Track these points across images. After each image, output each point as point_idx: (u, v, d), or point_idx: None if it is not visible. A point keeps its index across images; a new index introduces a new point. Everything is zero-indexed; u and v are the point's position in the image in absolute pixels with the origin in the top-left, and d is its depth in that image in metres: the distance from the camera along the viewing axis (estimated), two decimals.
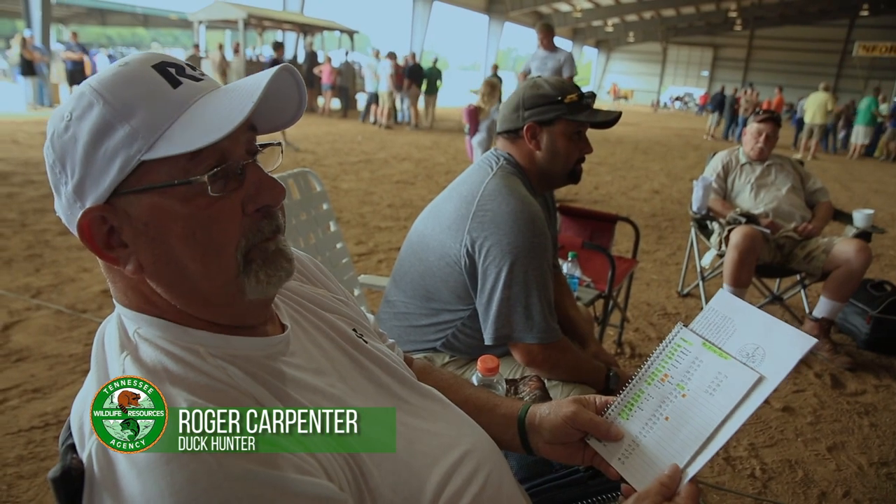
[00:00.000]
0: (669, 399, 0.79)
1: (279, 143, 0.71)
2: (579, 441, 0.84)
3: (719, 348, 0.79)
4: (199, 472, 0.52)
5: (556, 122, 1.51)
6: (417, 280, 1.54)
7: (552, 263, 1.76)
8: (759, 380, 0.74)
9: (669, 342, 0.84)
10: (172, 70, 0.62)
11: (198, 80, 0.63)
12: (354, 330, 0.85)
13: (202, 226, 0.61)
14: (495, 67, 14.51)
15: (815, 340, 0.74)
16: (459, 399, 0.92)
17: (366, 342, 0.84)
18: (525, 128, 1.52)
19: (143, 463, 0.52)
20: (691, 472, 0.73)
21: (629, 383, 0.84)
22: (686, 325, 0.84)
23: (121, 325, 0.65)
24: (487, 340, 1.44)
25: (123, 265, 0.62)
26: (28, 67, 12.54)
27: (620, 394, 0.84)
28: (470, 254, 1.43)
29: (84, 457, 0.56)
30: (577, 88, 1.54)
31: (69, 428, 0.63)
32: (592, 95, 1.57)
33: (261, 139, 0.69)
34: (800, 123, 14.79)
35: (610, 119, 1.54)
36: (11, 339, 2.76)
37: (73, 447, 0.59)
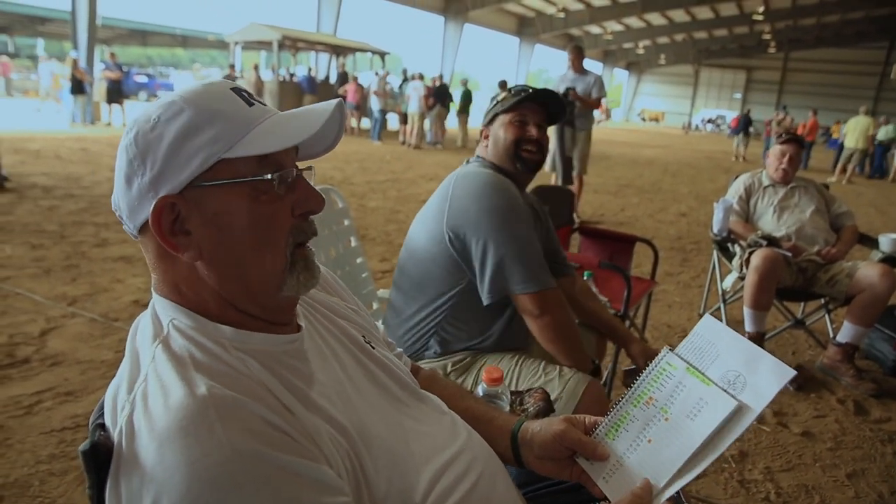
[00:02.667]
0: (653, 422, 0.82)
1: (311, 168, 0.80)
2: (567, 458, 0.88)
3: (702, 374, 0.82)
4: (213, 447, 0.58)
5: (494, 119, 1.75)
6: (412, 270, 1.69)
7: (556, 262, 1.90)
8: (739, 408, 0.76)
9: (655, 366, 0.87)
10: (246, 94, 0.74)
11: (264, 105, 0.74)
12: (363, 336, 0.91)
13: (264, 218, 0.70)
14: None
15: (794, 372, 0.77)
16: (460, 409, 0.97)
17: (373, 348, 0.90)
18: (481, 132, 1.80)
19: (164, 436, 0.58)
20: (668, 492, 0.76)
21: (617, 404, 0.87)
22: (672, 350, 0.87)
23: (155, 316, 0.73)
24: (486, 300, 1.57)
25: (182, 251, 0.70)
26: (78, 86, 13.11)
27: (608, 415, 0.87)
28: (454, 228, 1.58)
29: (115, 433, 0.63)
30: (511, 89, 1.76)
31: (101, 409, 0.70)
32: (519, 88, 1.75)
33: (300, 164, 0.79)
34: (841, 147, 14.61)
35: (535, 94, 1.71)
36: (48, 345, 2.88)
37: (101, 426, 0.67)
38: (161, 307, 0.73)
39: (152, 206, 0.68)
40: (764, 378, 0.77)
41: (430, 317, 1.66)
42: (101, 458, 0.63)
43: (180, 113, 0.68)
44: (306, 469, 0.62)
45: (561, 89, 6.18)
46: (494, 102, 1.76)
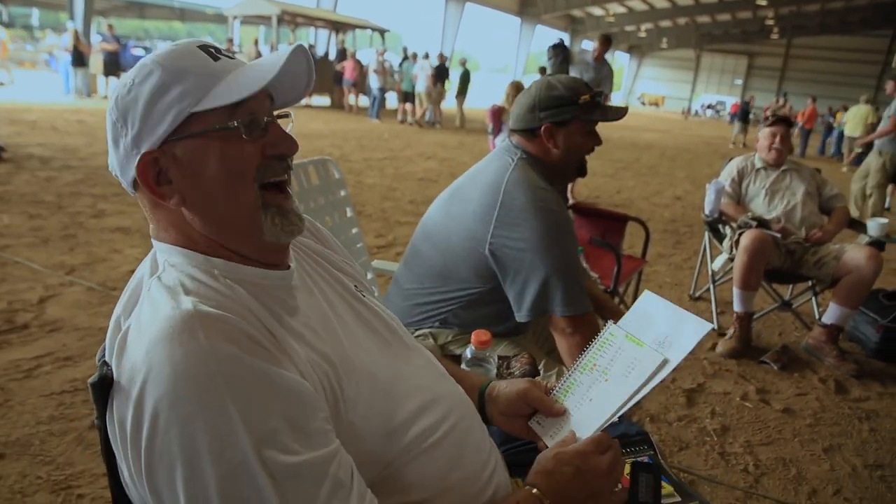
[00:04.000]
0: (595, 384, 0.93)
1: (290, 115, 0.84)
2: (526, 417, 0.98)
3: (638, 339, 0.93)
4: (194, 349, 0.63)
5: (572, 122, 1.60)
6: (437, 259, 1.63)
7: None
8: (664, 361, 0.88)
9: (601, 337, 0.98)
10: (213, 50, 0.78)
11: (231, 58, 0.79)
12: (355, 286, 0.96)
13: (231, 158, 0.75)
14: (543, 70, 13.91)
15: (710, 326, 0.89)
16: None
17: (364, 296, 0.95)
18: (542, 128, 1.60)
19: (151, 342, 0.64)
20: (595, 432, 0.88)
21: (569, 372, 0.98)
22: (615, 323, 0.98)
23: (153, 258, 0.79)
24: (523, 318, 1.53)
25: (168, 199, 0.76)
26: (79, 59, 13.01)
27: (560, 381, 0.98)
28: (497, 238, 1.51)
29: (112, 354, 0.69)
30: (589, 88, 1.64)
31: (104, 349, 0.76)
32: (601, 93, 1.68)
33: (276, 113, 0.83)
34: (839, 137, 14.77)
35: (620, 115, 1.68)
36: (46, 312, 2.93)
37: (106, 363, 0.71)
38: (159, 250, 0.79)
39: (136, 162, 0.74)
40: (686, 335, 0.89)
41: (442, 303, 1.64)
42: (107, 389, 0.69)
43: (150, 74, 0.74)
44: (279, 377, 0.67)
45: (579, 70, 6.17)
46: (574, 103, 1.59)
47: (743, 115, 18.14)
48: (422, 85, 13.77)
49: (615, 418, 0.88)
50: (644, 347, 0.91)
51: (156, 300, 0.70)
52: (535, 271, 1.48)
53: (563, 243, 1.51)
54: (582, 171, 1.72)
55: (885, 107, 7.63)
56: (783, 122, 3.40)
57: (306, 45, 0.77)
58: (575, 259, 1.55)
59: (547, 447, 0.91)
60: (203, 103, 0.73)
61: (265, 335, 0.71)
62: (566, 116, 1.59)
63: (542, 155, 1.64)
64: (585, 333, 1.52)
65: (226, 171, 0.74)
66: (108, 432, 0.69)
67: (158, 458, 0.62)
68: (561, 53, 6.04)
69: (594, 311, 1.97)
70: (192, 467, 0.61)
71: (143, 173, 0.74)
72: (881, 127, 7.21)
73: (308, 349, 0.75)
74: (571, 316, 1.50)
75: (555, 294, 1.49)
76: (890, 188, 8.52)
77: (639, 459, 1.11)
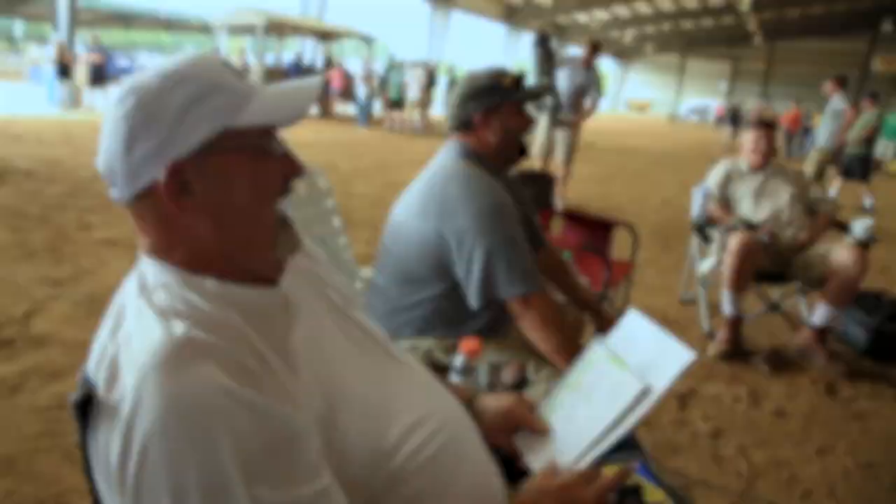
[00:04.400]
0: (580, 404, 0.94)
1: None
2: (511, 433, 0.98)
3: (622, 361, 0.93)
4: (186, 382, 0.62)
5: (503, 105, 1.65)
6: (399, 263, 1.67)
7: (532, 234, 1.87)
8: (645, 390, 0.87)
9: (585, 355, 0.98)
10: (234, 68, 0.79)
11: (248, 78, 0.80)
12: (342, 301, 0.95)
13: (263, 177, 0.76)
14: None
15: (692, 356, 0.87)
16: None
17: (352, 311, 0.94)
18: (475, 118, 1.66)
19: (141, 371, 0.62)
20: (583, 463, 0.87)
21: (554, 389, 0.99)
22: (601, 342, 0.98)
23: (141, 275, 0.75)
24: (474, 303, 1.56)
25: (187, 212, 0.73)
26: (64, 70, 12.93)
27: (547, 399, 0.99)
28: (440, 232, 1.55)
29: (99, 377, 0.67)
30: (508, 72, 1.69)
31: (86, 367, 0.73)
32: (523, 75, 1.72)
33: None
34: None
35: (545, 91, 1.74)
36: (32, 326, 2.89)
37: (88, 382, 0.69)
38: (149, 267, 0.76)
39: (160, 171, 0.70)
40: (668, 363, 0.88)
41: (414, 307, 1.65)
42: (90, 409, 0.67)
43: (183, 82, 0.71)
44: (275, 411, 0.65)
45: (559, 76, 6.16)
46: (499, 88, 1.65)
47: (733, 119, 18.37)
48: (414, 92, 13.80)
49: (604, 450, 0.87)
50: (626, 372, 0.91)
51: (145, 324, 0.68)
52: (476, 254, 1.51)
53: (500, 225, 1.53)
54: (523, 152, 1.75)
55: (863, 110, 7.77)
56: (767, 125, 3.43)
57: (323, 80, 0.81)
58: (517, 240, 1.56)
59: (529, 464, 0.91)
60: (239, 119, 0.73)
61: (258, 362, 0.69)
62: (495, 100, 1.65)
63: (479, 146, 1.69)
64: (540, 310, 1.54)
65: (256, 188, 0.75)
66: (90, 454, 0.67)
67: (146, 491, 0.60)
68: (544, 47, 6.03)
69: (569, 303, 1.98)
70: (179, 502, 0.60)
71: (168, 184, 0.71)
72: (833, 129, 7.34)
73: (301, 374, 0.74)
74: (521, 295, 1.52)
75: (498, 274, 1.52)
76: (864, 188, 8.65)
77: (624, 478, 1.10)
